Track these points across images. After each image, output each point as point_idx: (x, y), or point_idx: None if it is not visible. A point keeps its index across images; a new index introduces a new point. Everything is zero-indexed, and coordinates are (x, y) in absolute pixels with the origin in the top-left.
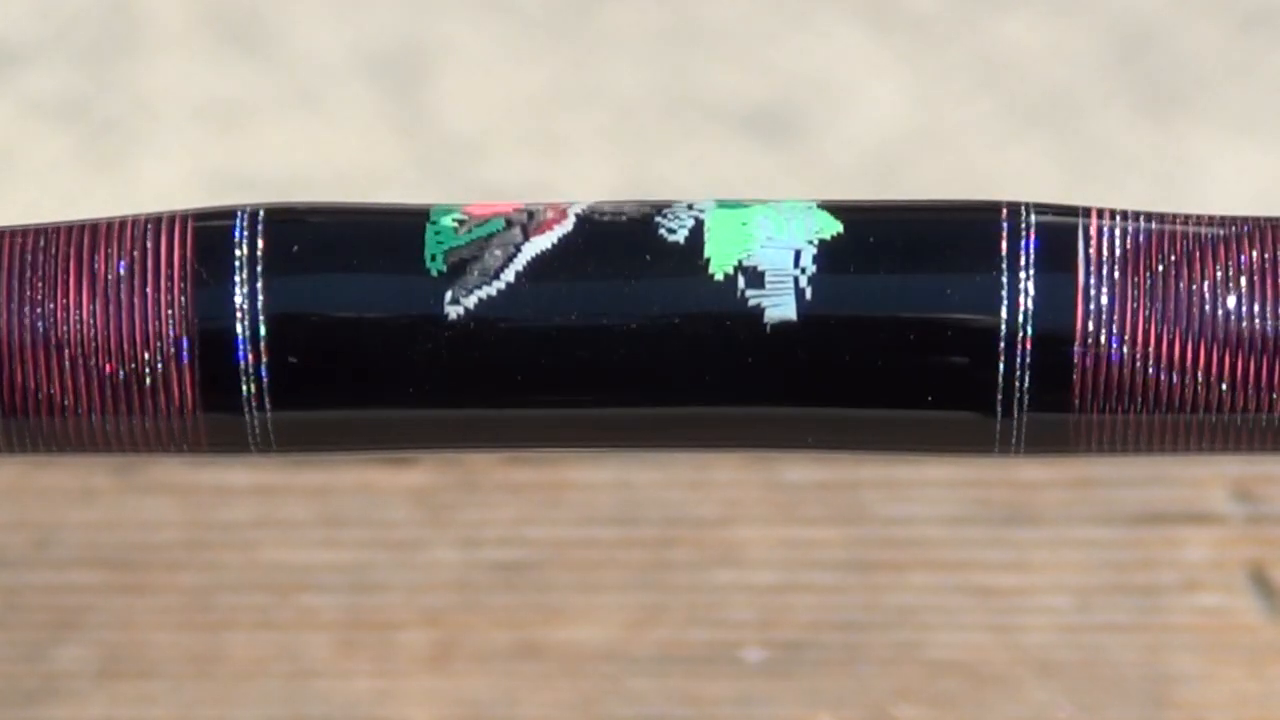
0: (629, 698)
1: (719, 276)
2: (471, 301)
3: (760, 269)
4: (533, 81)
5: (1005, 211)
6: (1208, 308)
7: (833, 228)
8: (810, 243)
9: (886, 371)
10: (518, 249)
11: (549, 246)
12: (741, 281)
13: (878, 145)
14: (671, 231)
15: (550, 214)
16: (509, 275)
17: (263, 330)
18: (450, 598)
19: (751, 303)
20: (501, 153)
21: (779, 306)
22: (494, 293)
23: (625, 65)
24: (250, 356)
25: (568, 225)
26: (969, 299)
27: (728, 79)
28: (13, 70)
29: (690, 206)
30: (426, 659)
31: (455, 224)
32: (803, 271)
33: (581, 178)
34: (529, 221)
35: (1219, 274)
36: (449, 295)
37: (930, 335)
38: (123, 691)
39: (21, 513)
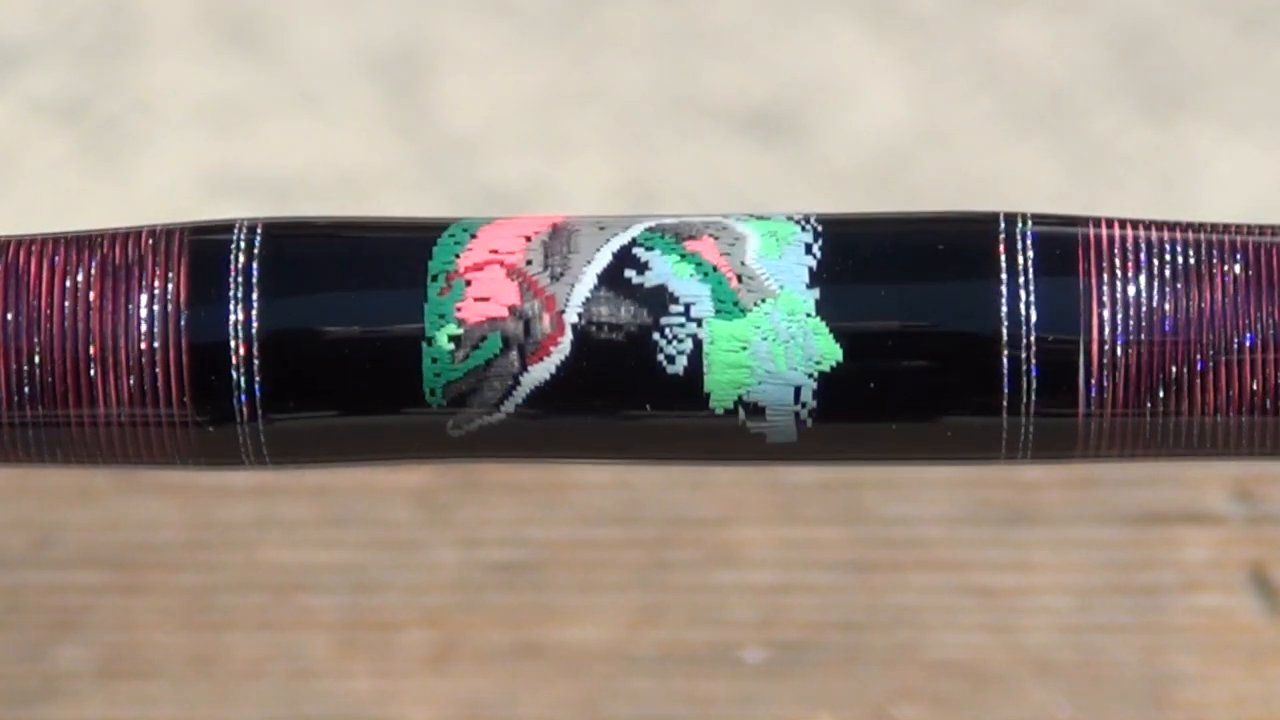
0: (629, 698)
1: (719, 411)
2: (474, 427)
3: (760, 404)
4: (533, 81)
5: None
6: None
7: (833, 355)
8: (810, 376)
9: (900, 409)
10: (516, 381)
11: (546, 379)
12: (742, 414)
13: (878, 146)
14: (670, 360)
15: (546, 320)
16: (508, 407)
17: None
18: (450, 598)
19: (754, 431)
20: (501, 153)
21: (780, 434)
22: (494, 422)
23: (625, 65)
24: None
25: (565, 349)
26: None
27: (728, 79)
28: (13, 70)
29: (688, 311)
30: (426, 659)
31: (451, 344)
32: (803, 406)
33: (581, 178)
34: (525, 339)
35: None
36: (450, 423)
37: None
38: (123, 691)
39: (21, 513)
